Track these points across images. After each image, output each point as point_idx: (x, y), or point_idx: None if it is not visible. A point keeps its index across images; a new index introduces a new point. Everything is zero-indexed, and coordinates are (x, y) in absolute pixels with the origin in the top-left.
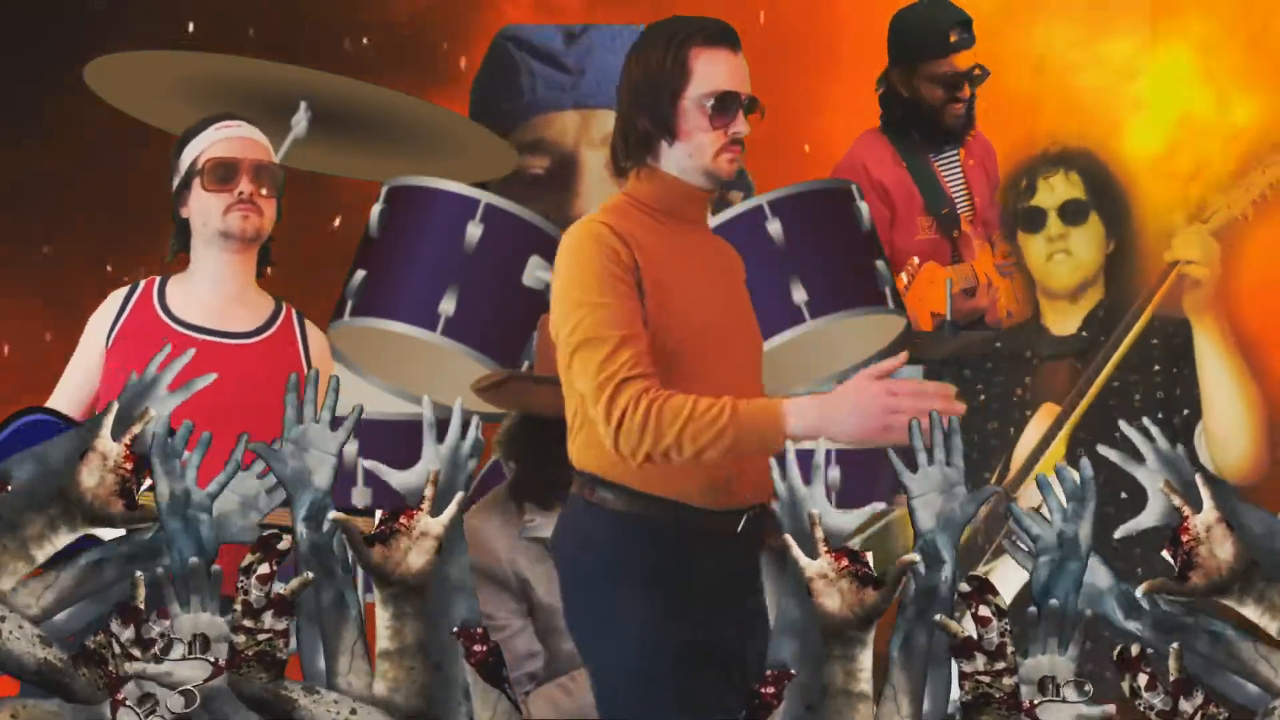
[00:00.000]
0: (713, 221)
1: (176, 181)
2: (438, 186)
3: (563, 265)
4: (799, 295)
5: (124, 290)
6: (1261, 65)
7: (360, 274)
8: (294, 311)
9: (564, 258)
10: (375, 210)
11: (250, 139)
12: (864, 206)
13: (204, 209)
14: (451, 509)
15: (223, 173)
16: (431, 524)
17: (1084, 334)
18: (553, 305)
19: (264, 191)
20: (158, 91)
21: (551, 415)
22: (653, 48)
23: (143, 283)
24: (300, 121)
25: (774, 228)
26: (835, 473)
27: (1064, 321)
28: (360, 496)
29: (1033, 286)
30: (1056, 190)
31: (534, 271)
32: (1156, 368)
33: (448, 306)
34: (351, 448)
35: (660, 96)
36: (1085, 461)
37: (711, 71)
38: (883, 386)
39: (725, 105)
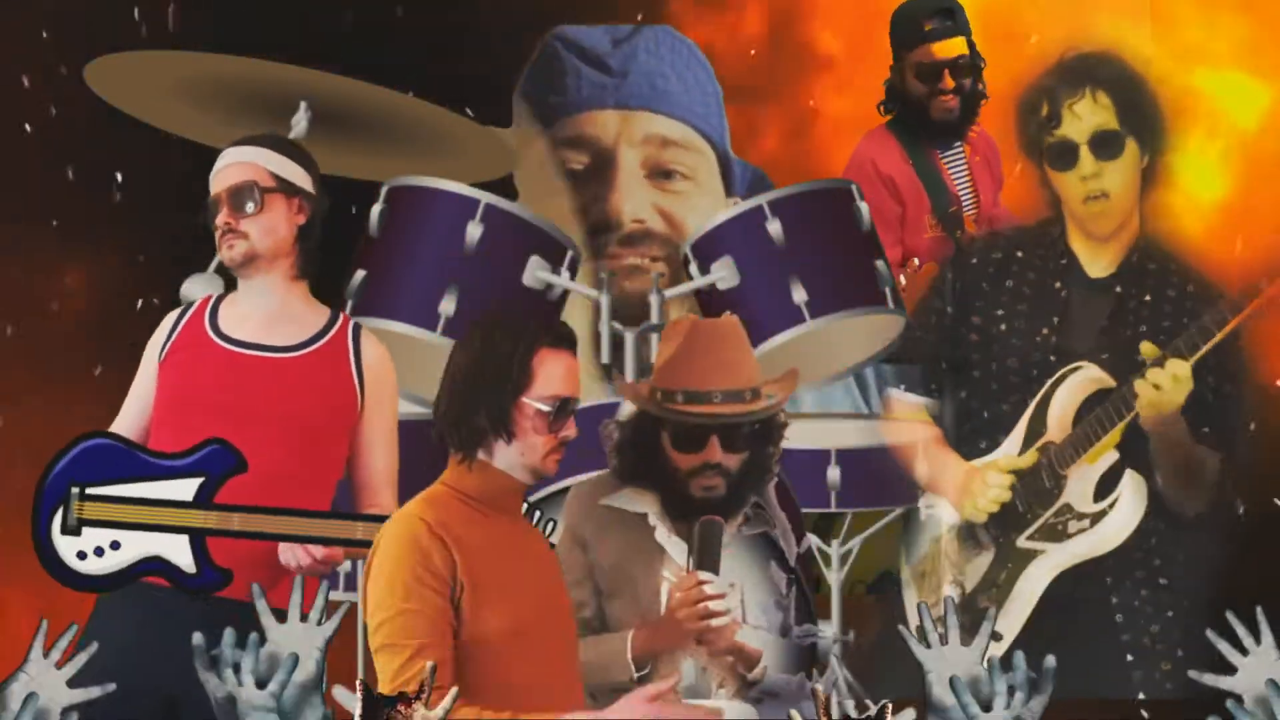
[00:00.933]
0: (713, 221)
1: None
2: (438, 186)
3: (376, 559)
4: (799, 295)
5: (177, 311)
6: None
7: (360, 274)
8: (351, 323)
9: (379, 553)
10: (375, 210)
11: (231, 164)
12: (864, 206)
13: (216, 242)
14: (445, 702)
15: (210, 213)
16: (430, 715)
17: (1118, 289)
18: (366, 592)
19: (242, 213)
20: (158, 91)
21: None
22: (499, 343)
23: (196, 302)
24: (300, 121)
25: (774, 228)
26: (835, 473)
27: (1097, 259)
28: None
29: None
30: (1085, 118)
31: (534, 271)
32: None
33: (448, 306)
34: None
35: (503, 395)
36: (1050, 658)
37: (553, 375)
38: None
39: (562, 411)
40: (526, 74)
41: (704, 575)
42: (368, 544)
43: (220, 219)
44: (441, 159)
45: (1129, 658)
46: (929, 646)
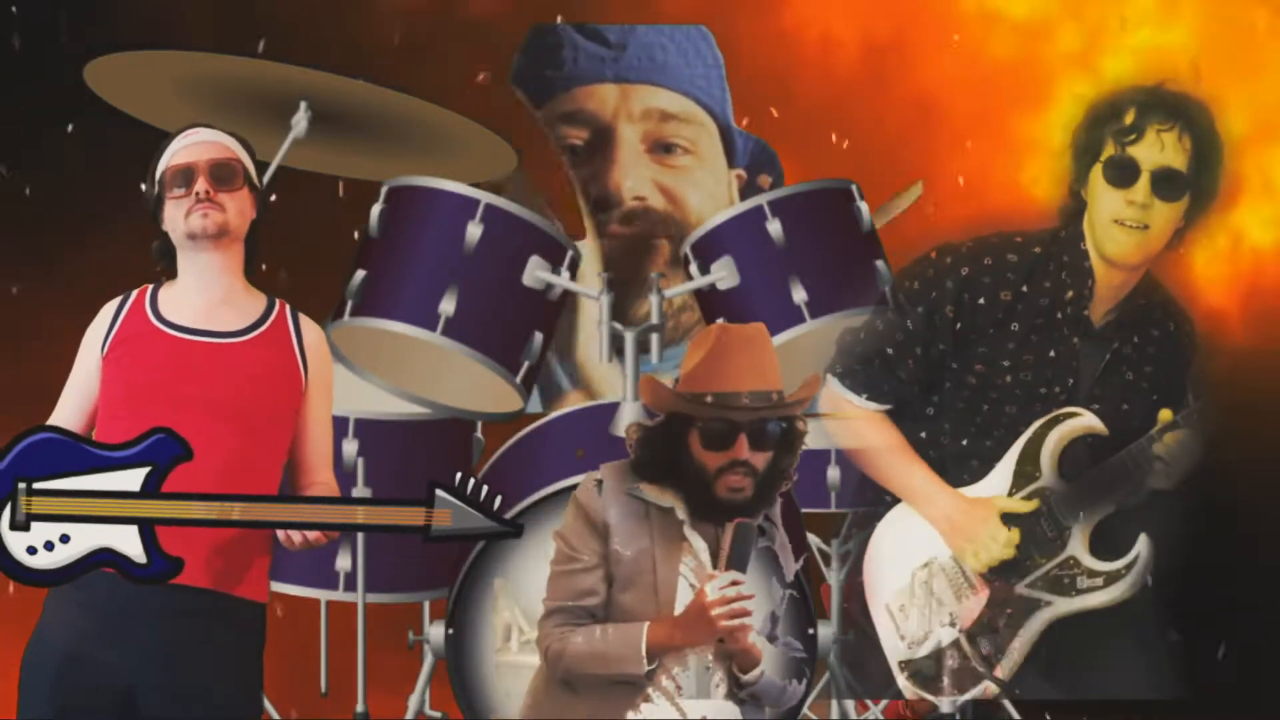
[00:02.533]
0: (713, 221)
1: (153, 198)
2: (438, 186)
3: None
4: (799, 295)
5: (116, 300)
6: None
7: (360, 274)
8: (288, 308)
9: None
10: (375, 210)
11: (209, 141)
12: (864, 206)
13: (172, 216)
14: None
15: (181, 178)
16: None
17: (1115, 343)
18: None
19: (225, 187)
20: (158, 91)
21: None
22: None
23: (135, 292)
24: (300, 121)
25: (774, 228)
26: (835, 473)
27: (1100, 305)
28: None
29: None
30: (1164, 150)
31: (534, 271)
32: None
33: (448, 306)
34: (351, 447)
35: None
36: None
37: None
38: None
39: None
40: (520, 54)
41: (737, 576)
42: (369, 527)
43: (198, 187)
44: (441, 159)
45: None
46: None
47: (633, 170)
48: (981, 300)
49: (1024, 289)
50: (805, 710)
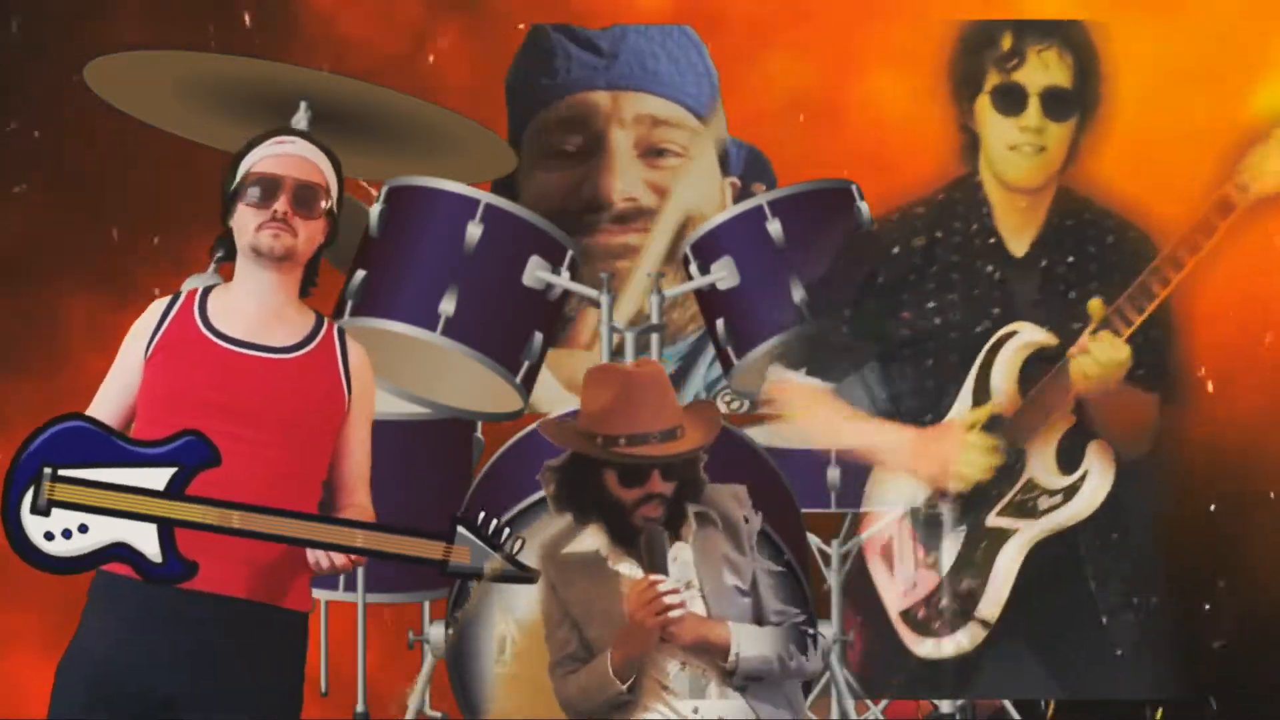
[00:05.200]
0: (713, 221)
1: (229, 191)
2: (438, 186)
3: None
4: (799, 295)
5: (165, 300)
6: None
7: (360, 274)
8: (335, 327)
9: None
10: (375, 210)
11: (301, 157)
12: (864, 206)
13: (242, 223)
14: None
15: (262, 189)
16: None
17: (1043, 262)
18: None
19: (304, 212)
20: (158, 91)
21: None
22: None
23: (184, 293)
24: (300, 121)
25: (774, 228)
26: (835, 473)
27: (1022, 226)
28: None
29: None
30: (1047, 69)
31: (534, 271)
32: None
33: (448, 306)
34: None
35: None
36: None
37: None
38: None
39: None
40: (514, 62)
41: (655, 577)
42: (366, 551)
43: (278, 206)
44: (441, 159)
45: (1103, 619)
46: None
47: (624, 173)
48: (896, 250)
49: (936, 233)
50: (805, 710)
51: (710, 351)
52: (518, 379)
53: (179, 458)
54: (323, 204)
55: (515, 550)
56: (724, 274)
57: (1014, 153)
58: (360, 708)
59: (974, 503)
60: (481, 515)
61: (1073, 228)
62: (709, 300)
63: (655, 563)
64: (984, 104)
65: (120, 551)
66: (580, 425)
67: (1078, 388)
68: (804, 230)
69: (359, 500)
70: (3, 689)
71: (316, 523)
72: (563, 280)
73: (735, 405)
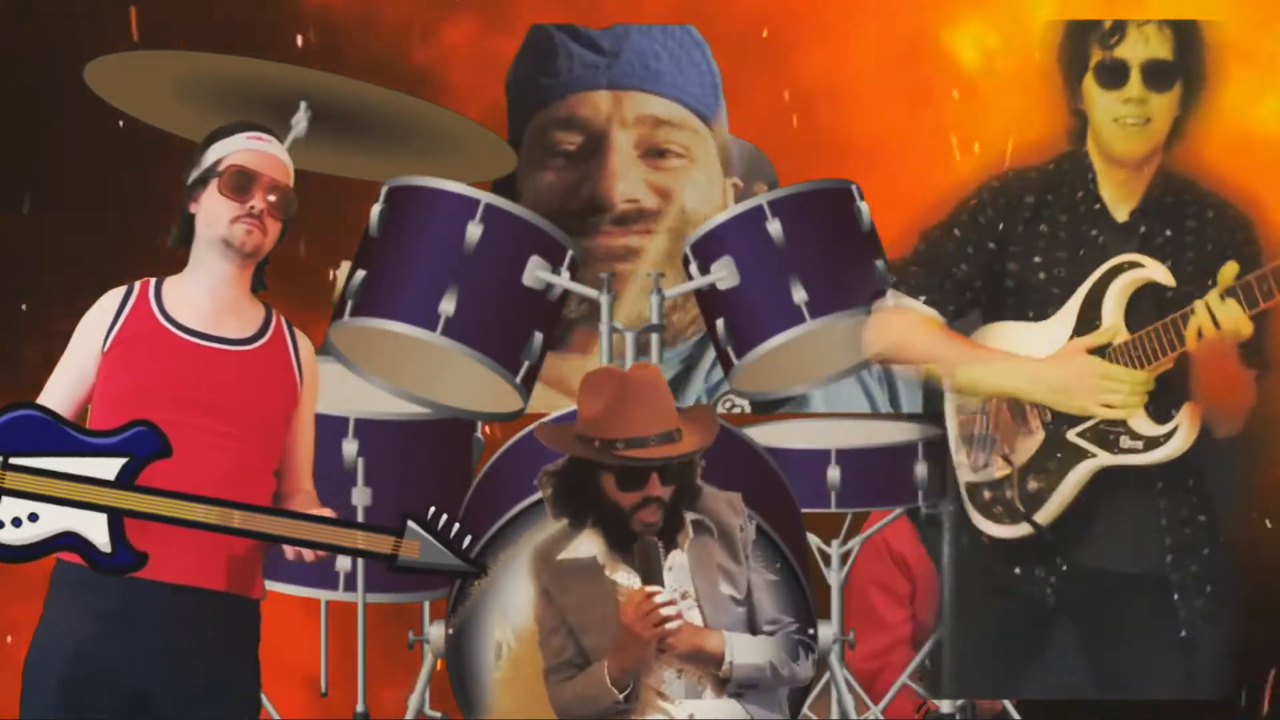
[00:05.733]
0: (713, 221)
1: (194, 176)
2: (438, 186)
3: None
4: (799, 295)
5: (119, 291)
6: None
7: (360, 274)
8: (284, 320)
9: None
10: (375, 210)
11: (276, 157)
12: (864, 206)
13: (213, 212)
14: None
15: (241, 182)
16: None
17: (1142, 229)
18: None
19: (275, 212)
20: (158, 91)
21: None
22: None
23: (138, 284)
24: (300, 121)
25: (774, 228)
26: (835, 473)
27: (1122, 200)
28: (360, 496)
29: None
30: (1148, 42)
31: (534, 271)
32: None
33: (448, 306)
34: (351, 447)
35: None
36: None
37: None
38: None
39: None
40: (515, 60)
41: (651, 588)
42: (367, 554)
43: (256, 203)
44: (441, 159)
45: (1168, 559)
46: None
47: (625, 175)
48: (1006, 201)
49: (1048, 196)
50: (805, 710)
51: (711, 354)
52: (518, 379)
53: (130, 448)
54: (288, 208)
55: (465, 545)
56: (724, 274)
57: (1118, 125)
58: (360, 708)
59: (1061, 415)
60: (432, 510)
61: (1172, 204)
62: (709, 300)
63: (650, 574)
64: (1089, 82)
65: (70, 541)
66: (577, 429)
67: (1190, 344)
68: (804, 230)
69: (306, 487)
70: (8, 681)
71: (273, 515)
72: (563, 280)
73: (729, 407)
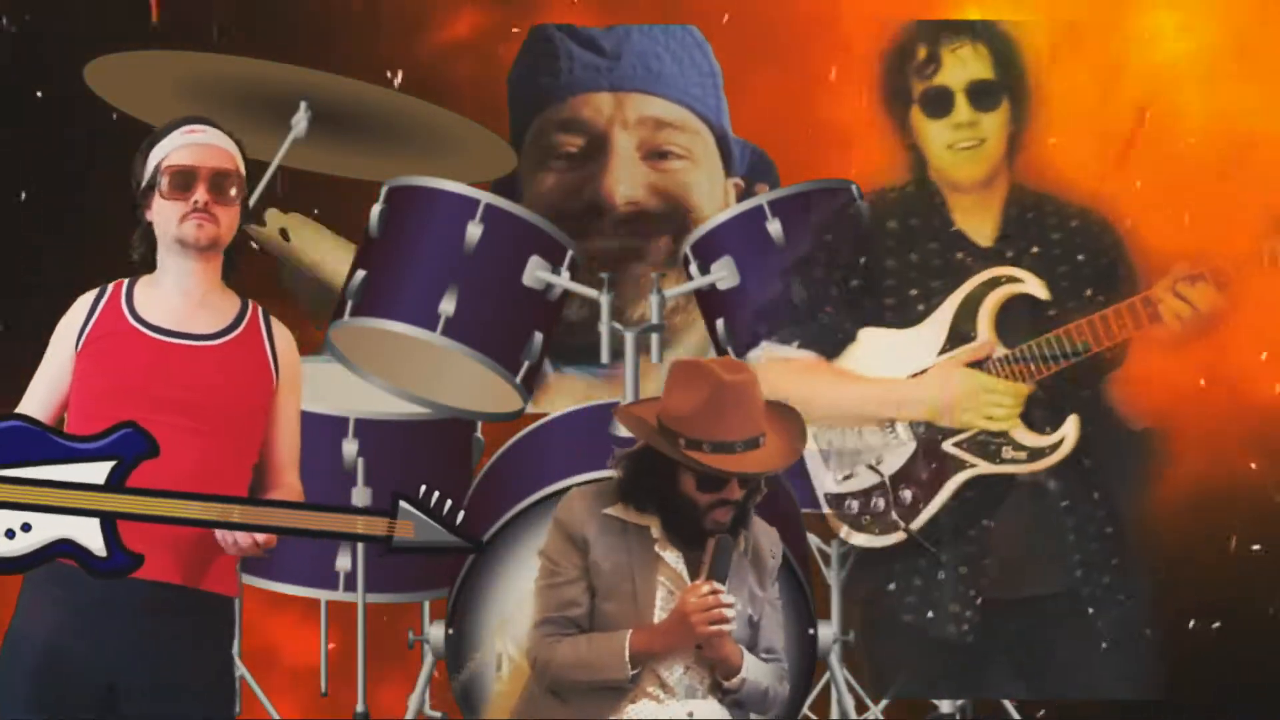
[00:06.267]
0: (713, 221)
1: (142, 184)
2: (438, 186)
3: None
4: (800, 295)
5: (92, 294)
6: None
7: (360, 274)
8: (260, 310)
9: None
10: (375, 210)
11: (213, 145)
12: (864, 206)
13: (163, 215)
14: None
15: (180, 181)
16: None
17: (1008, 253)
18: None
19: (222, 200)
20: (158, 91)
21: None
22: None
23: (110, 286)
24: (300, 121)
25: (774, 228)
26: None
27: (979, 223)
28: (360, 496)
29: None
30: (965, 65)
31: (534, 271)
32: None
33: (448, 306)
34: (351, 447)
35: None
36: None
37: None
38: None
39: None
40: (516, 61)
41: (717, 586)
42: (368, 538)
43: (198, 196)
44: (441, 159)
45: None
46: None
47: (626, 177)
48: (866, 232)
49: (911, 221)
50: (805, 710)
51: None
52: (518, 379)
53: (118, 451)
54: (237, 189)
55: (458, 521)
56: (724, 274)
57: (952, 152)
58: (360, 708)
59: (933, 426)
60: (423, 489)
61: (1034, 219)
62: (709, 300)
63: (718, 570)
64: (916, 114)
65: (65, 548)
66: (663, 419)
67: (1170, 329)
68: (804, 230)
69: (289, 480)
70: None
71: (272, 507)
72: (563, 280)
73: None
